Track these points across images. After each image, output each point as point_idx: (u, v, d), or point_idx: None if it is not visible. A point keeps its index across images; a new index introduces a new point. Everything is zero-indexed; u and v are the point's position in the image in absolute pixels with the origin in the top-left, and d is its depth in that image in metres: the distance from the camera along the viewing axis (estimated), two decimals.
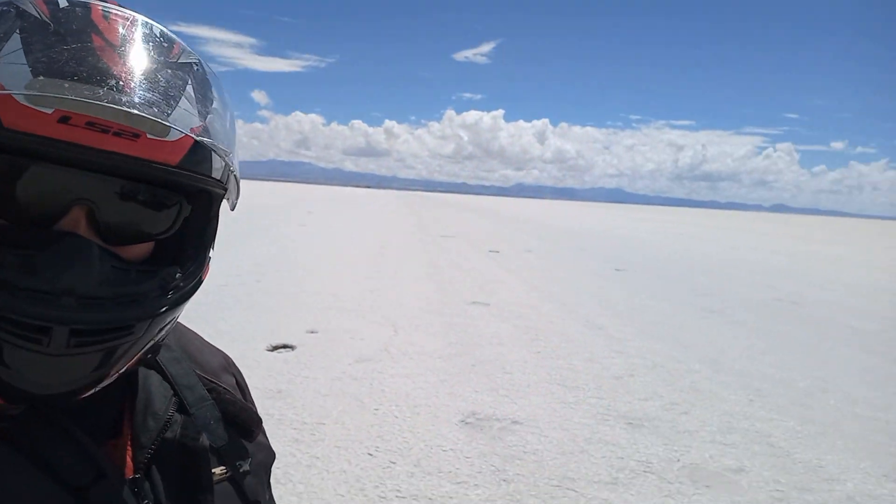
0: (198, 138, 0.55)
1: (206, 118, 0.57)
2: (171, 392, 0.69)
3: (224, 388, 0.75)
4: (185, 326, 0.82)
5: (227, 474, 0.69)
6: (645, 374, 6.10)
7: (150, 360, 0.69)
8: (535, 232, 28.01)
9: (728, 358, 6.95)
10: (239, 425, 0.73)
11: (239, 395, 0.79)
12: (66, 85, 0.49)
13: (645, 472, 3.94)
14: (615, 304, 9.87)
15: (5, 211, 0.55)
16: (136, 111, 0.51)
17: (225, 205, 0.68)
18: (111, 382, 0.59)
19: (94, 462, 0.59)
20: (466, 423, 4.54)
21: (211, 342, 0.87)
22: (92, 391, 0.57)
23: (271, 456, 0.80)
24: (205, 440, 0.67)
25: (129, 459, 0.63)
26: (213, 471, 0.67)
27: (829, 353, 7.53)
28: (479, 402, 5.01)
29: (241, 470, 0.71)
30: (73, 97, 0.49)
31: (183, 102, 0.55)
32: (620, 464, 4.03)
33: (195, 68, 0.60)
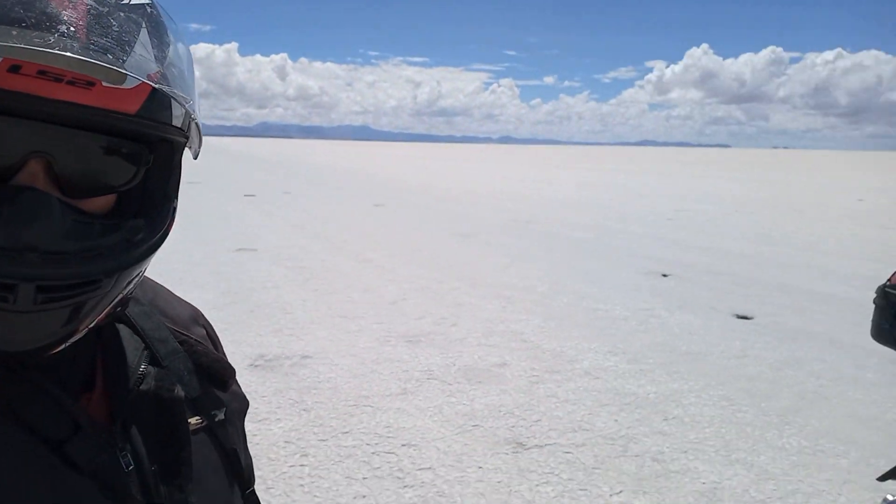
0: (156, 85, 0.53)
1: (163, 63, 0.55)
2: (143, 345, 0.68)
3: (195, 340, 0.74)
4: (153, 280, 0.79)
5: (203, 424, 0.69)
6: (415, 296, 6.65)
7: (120, 314, 0.66)
8: (289, 173, 27.44)
9: (481, 274, 7.88)
10: (212, 376, 0.73)
11: (210, 347, 0.78)
12: (15, 32, 0.47)
13: (428, 379, 4.42)
14: (380, 238, 10.37)
15: None
16: (89, 58, 0.48)
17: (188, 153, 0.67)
18: (81, 337, 0.58)
19: (70, 416, 0.58)
20: (256, 367, 4.57)
21: None
22: (62, 346, 0.57)
23: (245, 404, 0.80)
24: (179, 391, 0.67)
25: (104, 412, 0.63)
26: (188, 421, 0.67)
27: (559, 261, 8.92)
28: (265, 344, 5.05)
29: (216, 419, 0.70)
30: (22, 45, 0.46)
31: (138, 47, 0.52)
32: (406, 376, 4.46)
33: (149, 10, 0.57)
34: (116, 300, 0.59)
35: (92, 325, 0.58)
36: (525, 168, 42.46)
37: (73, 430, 0.57)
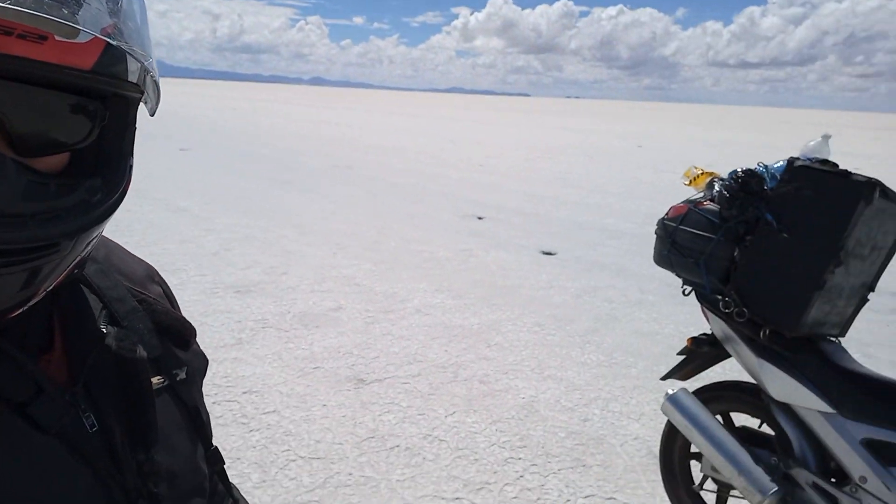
0: (111, 41, 0.51)
1: (118, 16, 0.53)
2: (101, 305, 0.67)
3: (154, 299, 0.73)
4: (107, 238, 0.76)
5: (165, 383, 0.69)
6: (240, 246, 6.45)
7: (77, 275, 0.65)
8: None
9: (308, 221, 7.83)
10: (172, 334, 0.72)
11: (168, 305, 0.77)
12: None
13: (263, 328, 4.41)
14: (192, 185, 9.75)
15: None
16: (40, 12, 0.46)
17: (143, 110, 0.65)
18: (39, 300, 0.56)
19: (31, 377, 0.57)
20: None
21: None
22: (20, 310, 0.55)
23: (205, 362, 0.80)
24: (141, 351, 0.66)
25: (65, 373, 0.62)
26: (151, 380, 0.66)
27: (383, 206, 9.12)
28: None
29: (178, 378, 0.70)
30: None
31: (92, 0, 0.50)
32: (240, 326, 4.41)
33: None
34: (75, 262, 0.58)
35: (50, 288, 0.56)
36: (340, 112, 41.70)
37: (36, 392, 0.57)
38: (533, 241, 7.37)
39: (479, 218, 8.61)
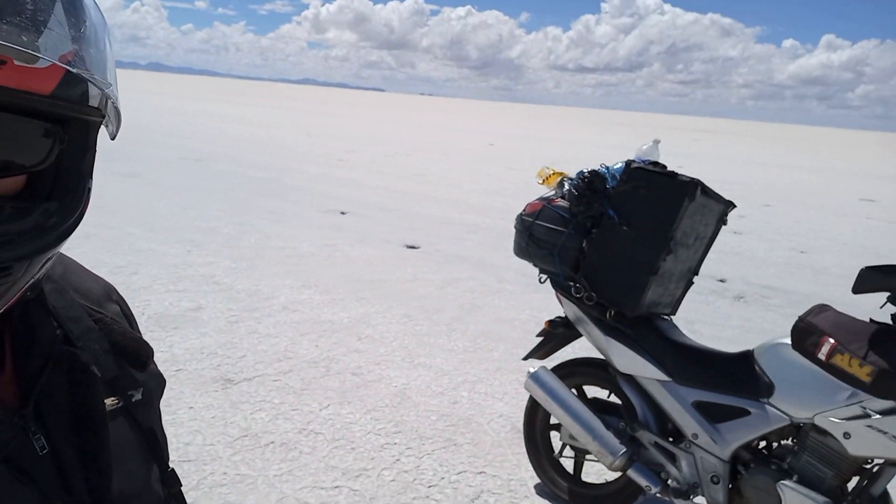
0: (71, 69, 0.52)
1: (79, 42, 0.53)
2: (55, 324, 0.66)
3: (111, 319, 0.72)
4: (64, 255, 0.74)
5: (119, 404, 0.68)
6: (82, 244, 5.94)
7: (30, 297, 0.64)
8: None
9: (158, 217, 7.37)
10: (129, 355, 0.71)
11: (125, 324, 0.75)
12: None
13: None
14: None
15: None
16: (0, 39, 0.46)
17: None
18: None
19: None
20: None
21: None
22: None
23: (162, 383, 0.78)
24: (95, 371, 0.65)
25: (14, 394, 0.61)
26: (104, 402, 0.65)
27: (240, 201, 8.80)
28: None
29: (132, 400, 0.69)
30: None
31: (53, 24, 0.51)
32: None
33: None
34: (27, 285, 0.57)
35: (1, 311, 0.56)
36: (183, 101, 39.12)
37: None
38: (397, 236, 7.51)
39: (343, 213, 8.61)
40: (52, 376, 0.62)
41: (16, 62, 0.47)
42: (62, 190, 0.58)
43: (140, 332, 0.79)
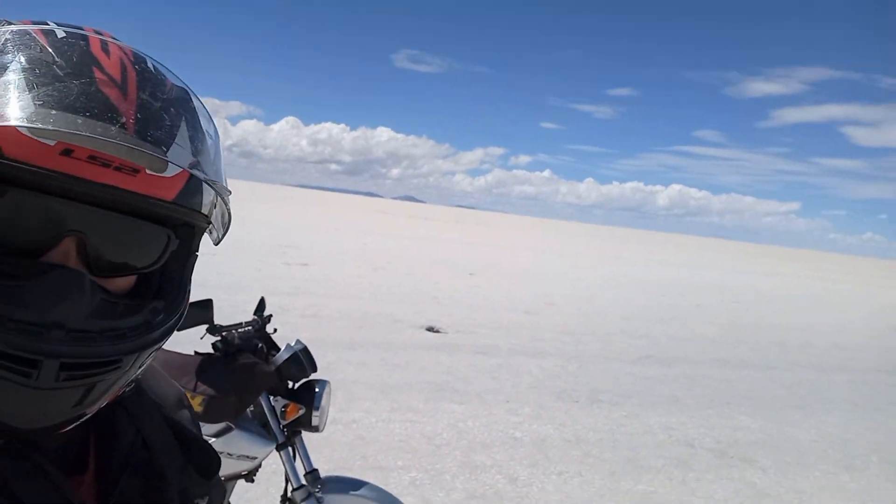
0: (193, 173, 0.56)
1: (199, 154, 0.58)
2: (135, 428, 0.67)
3: (185, 427, 0.74)
4: None
5: None
6: None
7: (125, 395, 0.65)
8: None
9: None
10: (198, 464, 0.73)
11: (196, 432, 0.78)
12: (79, 121, 0.49)
13: None
14: None
15: None
16: (138, 147, 0.51)
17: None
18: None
19: (65, 498, 0.57)
20: None
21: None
22: (74, 425, 0.56)
23: (222, 493, 0.80)
24: (169, 479, 0.67)
25: (94, 496, 0.62)
26: None
27: None
28: None
29: None
30: (79, 132, 0.49)
31: (179, 138, 0.56)
32: None
33: (187, 102, 0.60)
34: (128, 381, 0.60)
35: (102, 405, 0.58)
36: None
37: None
38: None
39: None
40: (128, 480, 0.64)
41: (147, 171, 0.53)
42: (167, 290, 0.63)
43: (202, 435, 0.81)
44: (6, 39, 0.53)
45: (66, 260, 0.54)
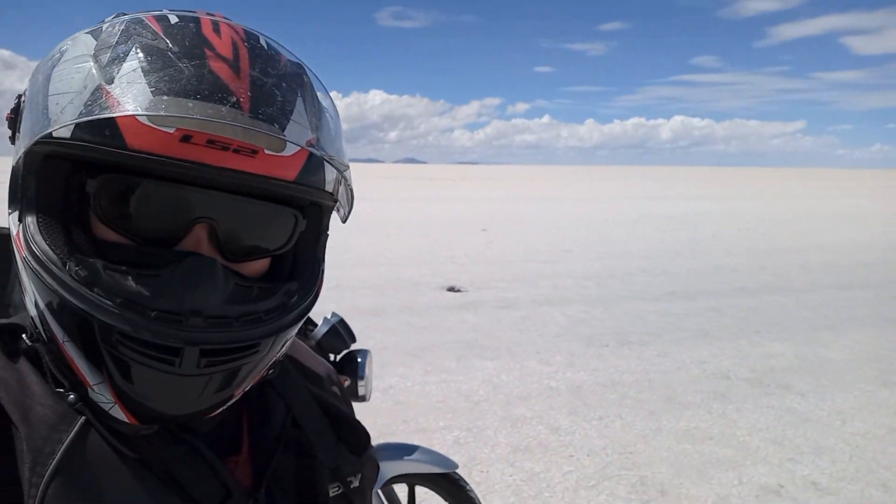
0: (312, 151, 0.55)
1: (318, 130, 0.57)
2: (285, 407, 0.68)
3: (334, 403, 0.74)
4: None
5: (340, 491, 0.69)
6: None
7: (271, 376, 0.66)
8: None
9: None
10: (350, 441, 0.72)
11: (345, 407, 0.77)
12: (190, 104, 0.49)
13: None
14: None
15: (129, 231, 0.54)
16: (255, 128, 0.50)
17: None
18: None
19: (222, 480, 0.59)
20: None
21: None
22: (221, 409, 0.58)
23: (376, 468, 0.79)
24: (321, 457, 0.67)
25: (249, 476, 0.63)
26: (328, 489, 0.67)
27: None
28: None
29: (351, 486, 0.70)
30: (195, 116, 0.49)
31: (296, 115, 0.54)
32: None
33: (304, 79, 0.59)
34: (271, 363, 0.60)
35: (247, 388, 0.59)
36: None
37: (225, 496, 0.59)
38: None
39: None
40: (281, 460, 0.65)
41: (266, 151, 0.52)
42: (300, 271, 0.63)
43: (353, 411, 0.81)
44: (121, 30, 0.54)
45: (199, 247, 0.54)
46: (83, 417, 0.55)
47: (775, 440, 3.88)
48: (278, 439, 0.66)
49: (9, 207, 0.57)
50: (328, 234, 0.66)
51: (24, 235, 0.54)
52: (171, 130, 0.49)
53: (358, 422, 0.76)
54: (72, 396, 0.56)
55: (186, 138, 0.49)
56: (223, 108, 0.50)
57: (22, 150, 0.55)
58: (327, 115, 0.60)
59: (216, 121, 0.49)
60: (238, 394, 0.58)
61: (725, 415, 4.25)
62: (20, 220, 0.55)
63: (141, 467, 0.56)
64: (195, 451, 0.59)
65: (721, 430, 4.00)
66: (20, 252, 0.55)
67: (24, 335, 0.60)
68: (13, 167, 0.57)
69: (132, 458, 0.56)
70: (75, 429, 0.54)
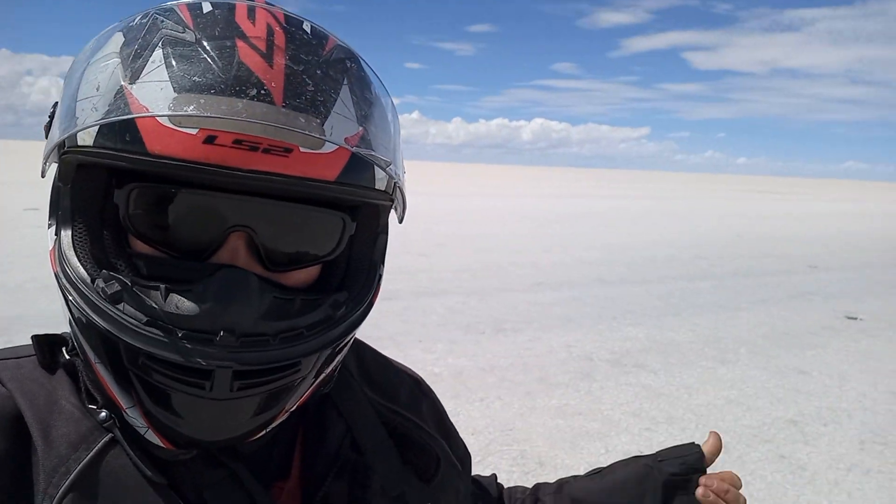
0: (355, 150, 0.49)
1: (364, 123, 0.51)
2: (345, 427, 0.62)
3: (406, 422, 0.66)
4: (364, 343, 0.68)
5: None
6: None
7: (326, 391, 0.61)
8: None
9: None
10: (418, 465, 0.65)
11: (427, 426, 0.69)
12: (215, 101, 0.44)
13: None
14: None
15: (162, 243, 0.50)
16: (285, 125, 0.45)
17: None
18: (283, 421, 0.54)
19: None
20: None
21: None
22: (263, 433, 0.53)
23: (453, 494, 0.68)
24: (376, 487, 0.60)
25: (297, 502, 0.58)
26: None
27: None
28: None
29: None
30: (215, 115, 0.44)
31: (338, 107, 0.49)
32: None
33: (350, 65, 0.53)
34: (318, 381, 0.55)
35: (293, 409, 0.54)
36: None
37: None
38: None
39: None
40: (332, 487, 0.59)
41: (301, 149, 0.46)
42: (353, 278, 0.57)
43: (450, 423, 0.75)
44: (149, 23, 0.50)
45: (235, 258, 0.49)
46: (107, 437, 0.52)
47: (634, 413, 4.32)
48: (332, 463, 0.60)
49: (48, 220, 0.53)
50: (387, 236, 0.60)
51: (58, 251, 0.50)
52: (195, 131, 0.44)
53: (430, 446, 0.67)
54: (103, 414, 0.52)
55: (210, 139, 0.44)
56: (251, 103, 0.45)
57: (51, 159, 0.52)
58: (377, 106, 0.54)
59: (239, 119, 0.44)
60: (281, 417, 0.53)
61: (591, 392, 4.66)
62: (56, 235, 0.51)
63: (169, 492, 0.51)
64: (234, 477, 0.54)
65: (588, 406, 4.39)
66: (53, 268, 0.51)
67: (64, 348, 0.57)
68: (53, 179, 0.53)
69: (159, 483, 0.51)
70: (95, 449, 0.51)
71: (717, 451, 0.80)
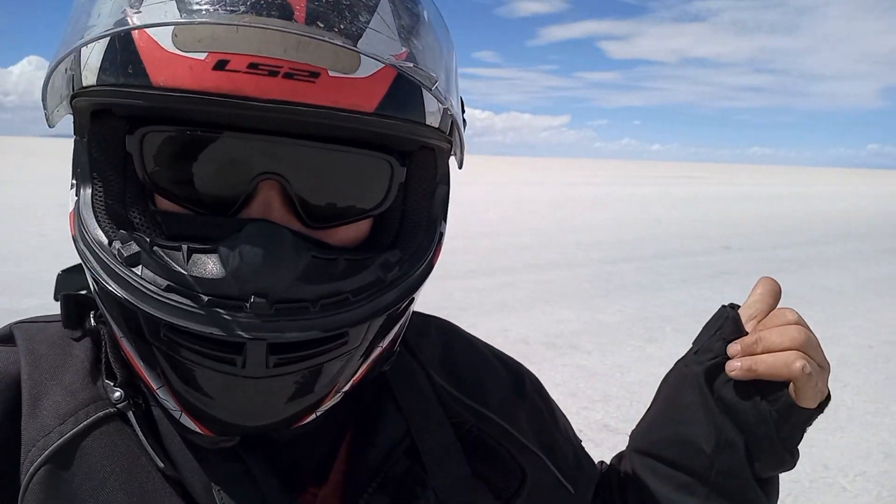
0: (401, 69, 0.39)
1: (410, 42, 0.41)
2: (404, 426, 0.52)
3: (489, 425, 0.56)
4: (458, 330, 0.57)
5: None
6: None
7: (385, 370, 0.52)
8: None
9: None
10: (491, 479, 0.54)
11: (521, 433, 0.58)
12: (225, 18, 0.36)
13: None
14: None
15: (184, 198, 0.43)
16: (310, 36, 0.37)
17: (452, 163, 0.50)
18: (337, 403, 0.46)
19: None
20: None
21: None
22: (312, 417, 0.46)
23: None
24: (435, 496, 0.51)
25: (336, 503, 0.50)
26: None
27: None
28: None
29: None
30: (223, 22, 0.36)
31: (376, 22, 0.39)
32: None
33: None
34: (374, 357, 0.47)
35: (347, 389, 0.46)
36: None
37: None
38: None
39: None
40: (373, 499, 0.49)
41: (330, 73, 0.38)
42: (408, 235, 0.48)
43: (559, 419, 0.63)
44: None
45: (268, 212, 0.42)
46: (101, 413, 0.46)
47: (572, 392, 4.45)
48: (378, 469, 0.50)
49: (71, 181, 0.47)
50: (448, 188, 0.50)
51: (77, 212, 0.45)
52: (203, 56, 0.37)
53: (511, 456, 0.56)
54: (117, 393, 0.46)
55: (221, 64, 0.37)
56: (268, 20, 0.37)
57: (62, 108, 0.47)
58: (427, 23, 0.44)
59: (254, 29, 0.37)
60: (332, 398, 0.46)
61: None
62: (77, 196, 0.45)
63: (163, 482, 0.45)
64: (248, 475, 0.46)
65: None
66: (70, 231, 0.46)
67: (93, 312, 0.50)
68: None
69: (155, 471, 0.45)
70: (84, 424, 0.45)
71: (766, 299, 0.65)
